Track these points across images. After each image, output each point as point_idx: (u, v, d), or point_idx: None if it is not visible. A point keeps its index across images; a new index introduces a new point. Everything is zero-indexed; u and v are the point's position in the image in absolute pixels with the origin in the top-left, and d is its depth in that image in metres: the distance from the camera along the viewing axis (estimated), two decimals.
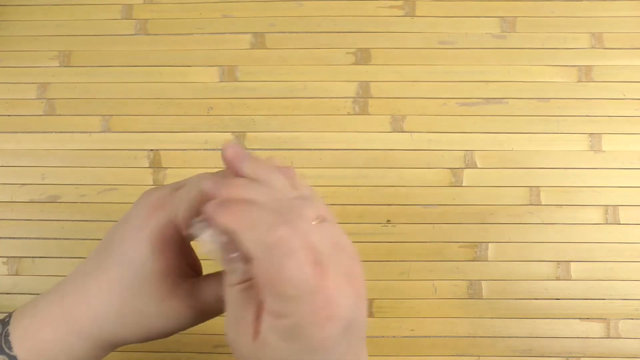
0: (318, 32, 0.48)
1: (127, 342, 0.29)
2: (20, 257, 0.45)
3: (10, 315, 0.28)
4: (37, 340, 0.27)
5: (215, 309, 0.28)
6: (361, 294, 0.24)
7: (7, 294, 0.45)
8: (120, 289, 0.27)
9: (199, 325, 0.44)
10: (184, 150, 0.47)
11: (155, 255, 0.26)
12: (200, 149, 0.47)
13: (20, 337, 0.26)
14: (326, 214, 0.27)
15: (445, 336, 0.43)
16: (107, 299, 0.27)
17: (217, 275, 0.28)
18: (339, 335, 0.22)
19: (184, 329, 0.28)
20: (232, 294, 0.25)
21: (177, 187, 0.28)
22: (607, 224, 0.45)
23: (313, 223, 0.24)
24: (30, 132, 0.47)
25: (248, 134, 0.47)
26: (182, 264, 0.28)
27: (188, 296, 0.27)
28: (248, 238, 0.22)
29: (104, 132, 0.47)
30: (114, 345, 0.29)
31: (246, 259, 0.23)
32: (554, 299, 0.44)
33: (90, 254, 0.29)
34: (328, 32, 0.48)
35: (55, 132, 0.47)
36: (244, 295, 0.24)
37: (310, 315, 0.22)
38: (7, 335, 0.27)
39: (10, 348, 0.27)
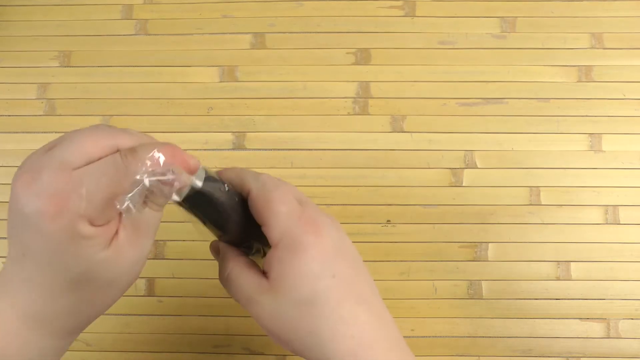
0: (318, 32, 0.48)
1: (84, 318, 0.28)
2: None
3: None
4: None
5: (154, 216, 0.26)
6: (338, 224, 0.29)
7: None
8: (50, 293, 0.25)
9: (199, 325, 0.44)
10: (184, 150, 0.47)
11: (72, 255, 0.24)
12: (200, 149, 0.47)
13: None
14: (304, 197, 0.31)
15: (445, 336, 0.43)
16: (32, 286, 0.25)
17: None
18: (333, 248, 0.27)
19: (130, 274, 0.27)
20: (236, 271, 0.29)
21: (61, 158, 0.23)
22: (607, 224, 0.45)
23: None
24: (30, 132, 0.47)
25: (248, 134, 0.47)
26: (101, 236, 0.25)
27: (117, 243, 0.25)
28: (246, 178, 0.29)
29: None
30: (72, 332, 0.28)
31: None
32: (554, 299, 0.44)
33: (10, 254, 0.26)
34: (328, 32, 0.48)
35: (55, 132, 0.47)
36: (246, 266, 0.29)
37: (302, 228, 0.27)
38: None
39: None
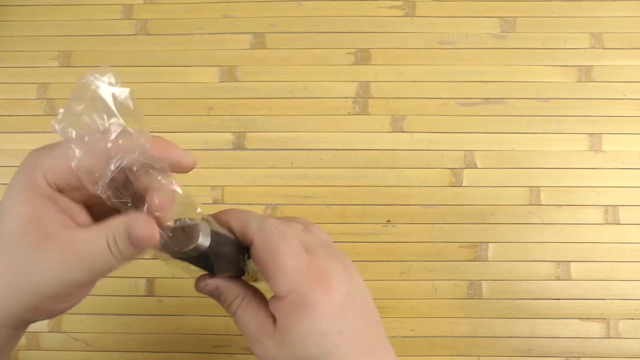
0: (318, 32, 0.48)
1: (20, 315, 0.24)
2: None
3: None
4: None
5: (102, 259, 0.24)
6: (350, 268, 0.28)
7: None
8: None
9: (199, 325, 0.44)
10: (184, 150, 0.47)
11: (18, 204, 0.23)
12: (200, 149, 0.47)
13: None
14: (313, 226, 0.31)
15: (445, 336, 0.43)
16: None
17: (101, 225, 0.24)
18: (342, 301, 0.26)
19: (76, 286, 0.24)
20: (241, 309, 0.28)
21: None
22: (607, 224, 0.45)
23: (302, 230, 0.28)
24: (30, 132, 0.47)
25: (248, 134, 0.47)
26: (54, 213, 0.24)
27: (65, 245, 0.23)
28: (249, 224, 0.27)
29: None
30: (12, 324, 0.25)
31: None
32: (554, 299, 0.44)
33: None
34: (328, 32, 0.48)
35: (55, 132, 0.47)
36: (251, 303, 0.28)
37: (309, 284, 0.26)
38: None
39: None
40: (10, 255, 0.23)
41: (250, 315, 0.27)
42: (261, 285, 0.30)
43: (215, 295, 0.29)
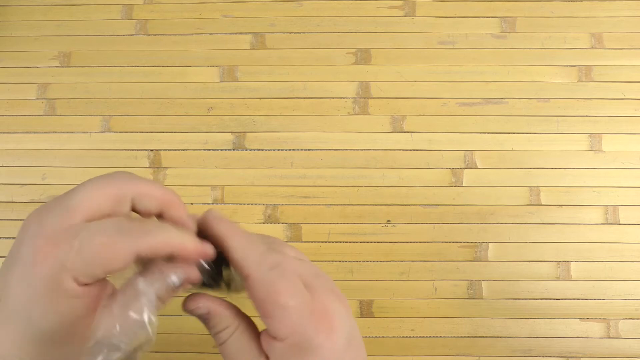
0: (318, 32, 0.48)
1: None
2: None
3: None
4: None
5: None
6: (348, 307, 0.26)
7: None
8: (20, 343, 0.22)
9: (199, 325, 0.44)
10: (184, 150, 0.47)
11: (48, 309, 0.22)
12: (200, 149, 0.47)
13: None
14: (302, 256, 0.28)
15: (445, 336, 0.43)
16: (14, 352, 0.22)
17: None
18: (344, 344, 0.24)
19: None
20: (232, 341, 0.25)
21: (70, 214, 0.22)
22: (607, 224, 0.45)
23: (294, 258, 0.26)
24: (30, 132, 0.47)
25: (248, 134, 0.47)
26: (76, 310, 0.22)
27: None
28: (247, 256, 0.24)
29: (104, 132, 0.47)
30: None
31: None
32: (554, 299, 0.44)
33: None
34: (328, 32, 0.48)
35: (55, 132, 0.47)
36: (243, 336, 0.25)
37: (313, 326, 0.23)
38: None
39: None
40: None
41: (240, 351, 0.25)
42: (241, 295, 0.27)
43: (204, 319, 0.26)
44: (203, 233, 0.25)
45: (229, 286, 0.27)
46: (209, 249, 0.24)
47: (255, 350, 0.25)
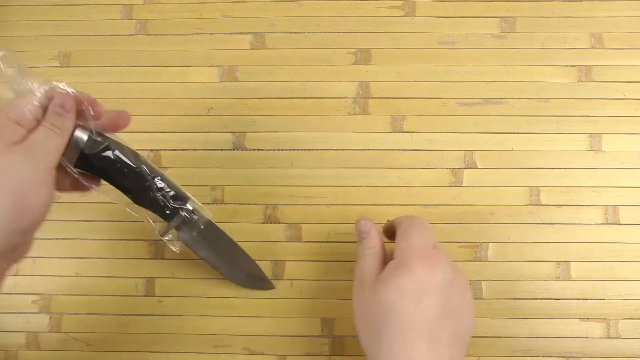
0: (318, 32, 0.48)
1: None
2: None
3: None
4: None
5: (45, 151, 0.31)
6: (453, 271, 0.33)
7: (8, 294, 0.45)
8: None
9: (199, 325, 0.44)
10: (184, 150, 0.47)
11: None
12: (200, 149, 0.47)
13: None
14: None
15: None
16: None
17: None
18: (434, 286, 0.32)
19: (50, 172, 0.31)
20: (369, 257, 0.35)
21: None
22: (607, 224, 0.45)
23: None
24: None
25: (248, 134, 0.47)
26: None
27: (24, 148, 0.30)
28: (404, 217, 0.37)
29: None
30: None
31: None
32: (554, 299, 0.44)
33: None
34: (328, 32, 0.48)
35: None
36: (378, 256, 0.35)
37: (418, 258, 0.32)
38: None
39: None
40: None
41: (371, 264, 0.34)
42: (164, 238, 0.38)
43: (362, 238, 0.37)
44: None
45: (174, 219, 0.38)
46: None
47: (379, 267, 0.34)
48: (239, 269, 0.43)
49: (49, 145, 0.31)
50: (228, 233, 0.45)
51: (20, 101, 0.31)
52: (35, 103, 0.31)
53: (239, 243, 0.44)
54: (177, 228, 0.39)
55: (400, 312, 0.31)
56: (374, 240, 0.36)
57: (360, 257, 0.36)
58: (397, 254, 0.33)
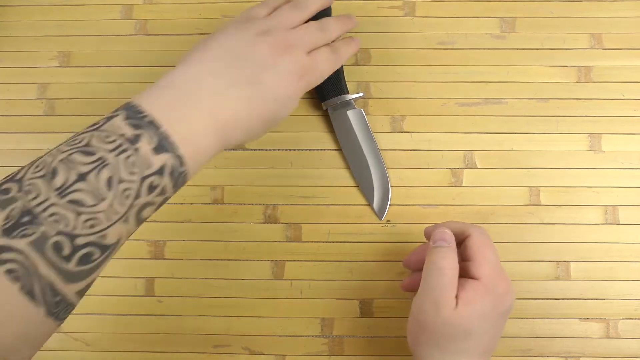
0: None
1: (243, 141, 0.34)
2: None
3: (140, 109, 0.29)
4: (196, 147, 0.30)
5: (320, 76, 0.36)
6: (515, 294, 0.35)
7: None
8: (266, 91, 0.32)
9: (199, 325, 0.44)
10: None
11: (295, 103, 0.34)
12: None
13: (181, 141, 0.29)
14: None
15: None
16: (238, 89, 0.32)
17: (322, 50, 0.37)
18: (509, 308, 0.34)
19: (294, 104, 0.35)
20: (444, 277, 0.33)
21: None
22: (606, 224, 0.45)
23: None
24: (30, 132, 0.47)
25: None
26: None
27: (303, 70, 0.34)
28: (469, 225, 0.36)
29: None
30: (232, 146, 0.33)
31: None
32: (554, 299, 0.44)
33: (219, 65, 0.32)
34: None
35: (56, 132, 0.47)
36: (450, 266, 0.33)
37: (498, 278, 0.33)
38: (166, 137, 0.28)
39: (175, 149, 0.28)
40: (280, 97, 0.33)
41: (450, 283, 0.33)
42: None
43: (441, 245, 0.35)
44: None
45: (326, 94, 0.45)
46: None
47: (455, 287, 0.33)
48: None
49: (323, 73, 0.36)
50: (228, 233, 0.45)
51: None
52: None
53: (238, 243, 0.44)
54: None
55: (475, 333, 0.32)
56: (454, 255, 0.34)
57: (437, 275, 0.33)
58: (479, 273, 0.33)
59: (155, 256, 0.45)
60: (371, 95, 0.47)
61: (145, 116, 0.28)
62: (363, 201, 0.45)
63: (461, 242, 0.35)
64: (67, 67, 0.49)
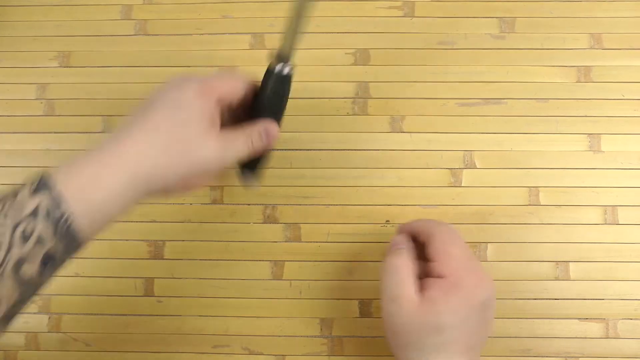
0: (317, 33, 0.48)
1: (168, 184, 0.32)
2: None
3: (47, 175, 0.27)
4: (94, 192, 0.28)
5: (242, 149, 0.34)
6: (490, 281, 0.34)
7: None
8: (170, 123, 0.31)
9: (199, 325, 0.44)
10: None
11: (201, 100, 0.32)
12: None
13: (75, 193, 0.27)
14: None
15: None
16: (155, 135, 0.31)
17: (243, 129, 0.35)
18: (484, 302, 0.33)
19: (213, 169, 0.33)
20: (398, 275, 0.34)
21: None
22: (606, 224, 0.45)
23: None
24: (30, 133, 0.47)
25: None
26: (217, 114, 0.34)
27: (222, 136, 0.33)
28: (431, 222, 0.37)
29: (103, 132, 0.47)
30: (156, 190, 0.31)
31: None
32: (553, 299, 0.44)
33: (126, 120, 0.32)
34: (327, 32, 0.48)
35: (55, 133, 0.47)
36: (404, 263, 0.34)
37: (466, 273, 0.33)
38: (47, 178, 0.26)
39: (52, 188, 0.26)
40: (186, 134, 0.31)
41: (407, 281, 0.33)
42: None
43: (396, 250, 0.36)
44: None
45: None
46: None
47: (414, 281, 0.34)
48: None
49: (239, 154, 0.34)
50: (227, 233, 0.45)
51: (233, 81, 0.35)
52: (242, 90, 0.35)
53: (238, 243, 0.44)
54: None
55: (446, 329, 0.32)
56: (408, 254, 0.35)
57: (391, 272, 0.34)
58: (444, 271, 0.33)
59: (154, 256, 0.45)
60: (370, 95, 0.47)
61: (47, 175, 0.27)
62: (362, 201, 0.45)
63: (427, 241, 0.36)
64: (67, 67, 0.49)
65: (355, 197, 0.46)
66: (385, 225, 0.45)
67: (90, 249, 0.45)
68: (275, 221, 0.46)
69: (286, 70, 0.36)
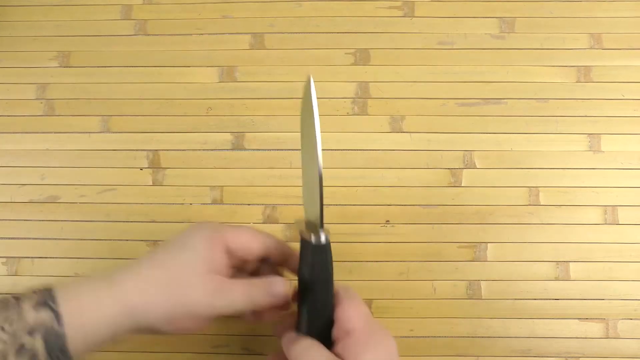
0: (317, 33, 0.48)
1: (153, 321, 0.32)
2: (19, 257, 0.45)
3: (51, 291, 0.30)
4: (86, 318, 0.30)
5: (231, 302, 0.33)
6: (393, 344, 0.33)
7: (7, 294, 0.45)
8: (172, 262, 0.32)
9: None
10: (183, 150, 0.47)
11: (205, 245, 0.33)
12: (199, 149, 0.47)
13: (73, 316, 0.29)
14: None
15: (445, 336, 0.44)
16: (158, 272, 0.32)
17: (244, 281, 0.34)
18: (389, 356, 0.32)
19: (208, 315, 0.33)
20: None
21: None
22: (606, 224, 0.45)
23: None
24: (29, 133, 0.47)
25: (247, 134, 0.47)
26: (222, 263, 0.34)
27: (217, 284, 0.33)
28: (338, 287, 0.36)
29: (103, 132, 0.47)
30: (144, 326, 0.32)
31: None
32: (553, 299, 0.44)
33: (142, 259, 0.33)
34: (327, 32, 0.48)
35: (55, 133, 0.47)
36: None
37: (377, 328, 0.32)
38: (51, 293, 0.30)
39: (57, 305, 0.29)
40: (182, 274, 0.32)
41: (321, 351, 0.31)
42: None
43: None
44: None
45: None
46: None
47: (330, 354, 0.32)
48: None
49: (234, 304, 0.33)
50: None
51: (248, 236, 0.35)
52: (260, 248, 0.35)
53: None
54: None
55: None
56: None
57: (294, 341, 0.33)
58: (356, 325, 0.32)
59: None
60: (370, 95, 0.47)
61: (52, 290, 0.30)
62: (362, 201, 0.45)
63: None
64: (67, 67, 0.49)
65: (355, 197, 0.46)
66: (385, 225, 0.45)
67: (90, 249, 0.45)
68: (275, 221, 0.46)
69: (323, 240, 0.33)
